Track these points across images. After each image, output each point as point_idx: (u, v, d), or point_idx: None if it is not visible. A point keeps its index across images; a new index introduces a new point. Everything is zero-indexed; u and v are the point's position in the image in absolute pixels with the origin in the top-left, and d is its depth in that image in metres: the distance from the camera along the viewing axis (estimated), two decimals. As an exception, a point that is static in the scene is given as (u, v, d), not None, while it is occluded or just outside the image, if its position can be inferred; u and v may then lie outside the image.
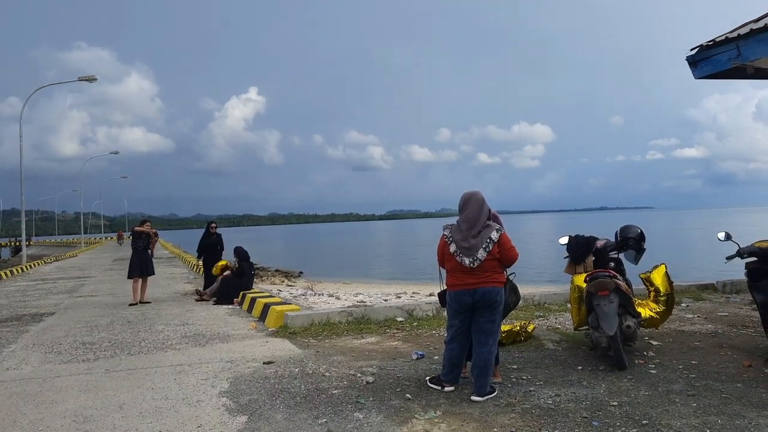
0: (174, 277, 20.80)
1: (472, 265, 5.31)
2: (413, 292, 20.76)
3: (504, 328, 7.23)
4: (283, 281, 30.24)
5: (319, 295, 20.47)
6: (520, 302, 9.82)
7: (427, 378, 5.82)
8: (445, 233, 5.48)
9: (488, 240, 5.33)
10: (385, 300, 18.21)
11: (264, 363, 6.93)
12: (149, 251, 13.40)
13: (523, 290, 11.59)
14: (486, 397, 5.26)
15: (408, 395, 5.45)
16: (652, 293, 6.82)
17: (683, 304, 9.63)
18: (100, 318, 11.06)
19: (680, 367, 6.00)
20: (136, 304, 12.82)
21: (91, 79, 30.92)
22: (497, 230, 5.38)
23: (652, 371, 5.87)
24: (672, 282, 6.86)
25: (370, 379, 6.02)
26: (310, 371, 6.46)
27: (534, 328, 7.57)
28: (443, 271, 5.66)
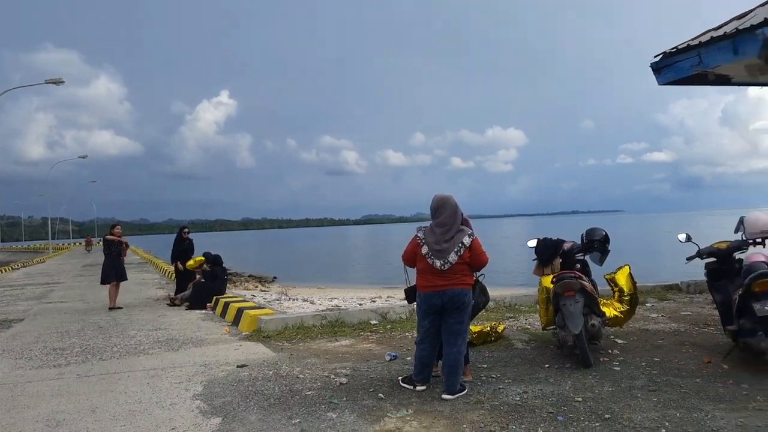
0: (146, 282, 20.64)
1: (443, 267, 5.44)
2: (387, 296, 20.88)
3: (475, 329, 7.39)
4: (256, 286, 30.11)
5: (293, 299, 20.45)
6: (491, 304, 10.01)
7: (400, 378, 5.94)
8: (419, 234, 5.61)
9: (460, 244, 5.48)
10: (360, 304, 18.28)
11: (238, 366, 6.99)
12: (122, 257, 13.33)
13: (495, 292, 11.79)
14: (456, 395, 5.40)
15: (381, 395, 5.56)
16: (617, 293, 7.03)
17: (648, 304, 9.90)
18: (70, 324, 10.98)
19: (643, 364, 6.21)
20: (115, 308, 12.73)
21: (58, 82, 30.56)
22: (469, 235, 5.53)
23: (615, 368, 6.06)
24: (635, 282, 7.08)
25: (344, 380, 6.12)
26: (284, 373, 6.54)
27: (504, 328, 7.74)
28: (409, 270, 5.81)
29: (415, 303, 5.85)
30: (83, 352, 8.27)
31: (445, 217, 5.55)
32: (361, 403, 5.37)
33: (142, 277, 22.75)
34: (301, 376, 6.41)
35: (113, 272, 13.01)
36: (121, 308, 12.91)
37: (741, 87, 11.51)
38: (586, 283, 6.28)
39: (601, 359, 6.43)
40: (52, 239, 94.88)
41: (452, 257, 5.44)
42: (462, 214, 5.77)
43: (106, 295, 15.69)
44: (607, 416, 4.68)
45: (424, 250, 5.52)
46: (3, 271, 31.08)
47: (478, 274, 6.06)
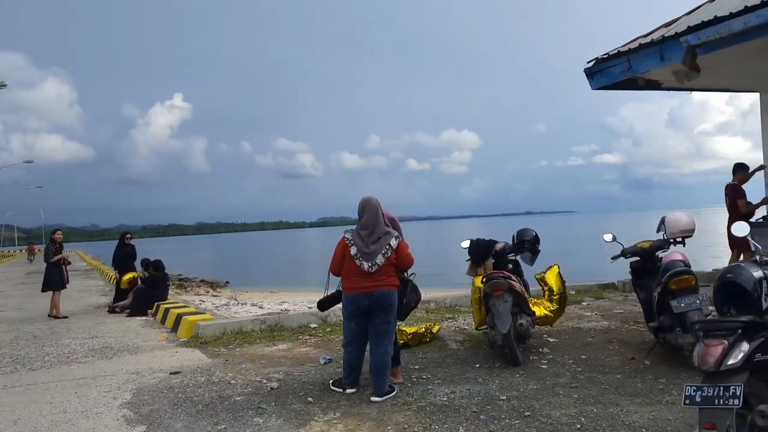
0: (89, 289, 20.17)
1: (370, 269, 5.51)
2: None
3: (410, 330, 7.47)
4: (207, 292, 29.71)
5: (242, 304, 20.27)
6: (432, 305, 10.12)
7: (330, 381, 5.96)
8: (347, 236, 5.66)
9: (387, 246, 5.58)
10: (310, 307, 18.21)
11: (171, 373, 6.90)
12: (64, 265, 13.00)
13: (437, 293, 11.91)
14: (385, 397, 5.44)
15: (310, 399, 5.57)
16: (547, 293, 7.19)
17: (584, 303, 10.15)
18: (3, 334, 10.64)
19: (570, 361, 6.37)
20: (63, 317, 12.45)
21: (0, 85, 29.65)
22: (396, 237, 5.65)
23: (543, 366, 6.20)
24: (564, 281, 7.26)
25: (275, 384, 6.10)
26: (216, 380, 6.49)
27: (439, 329, 7.84)
28: (332, 278, 5.84)
29: (326, 312, 5.94)
30: (13, 362, 8.04)
31: (367, 219, 5.63)
32: (289, 407, 5.37)
33: (86, 284, 22.23)
34: (233, 381, 6.37)
35: (59, 280, 12.67)
36: (67, 317, 12.55)
37: (684, 93, 11.88)
38: (514, 283, 6.41)
39: (531, 358, 6.57)
40: (2, 246, 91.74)
41: (380, 259, 5.52)
42: (389, 216, 5.94)
43: (46, 303, 15.31)
44: (527, 414, 4.79)
45: (353, 251, 5.58)
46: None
47: (409, 273, 6.18)
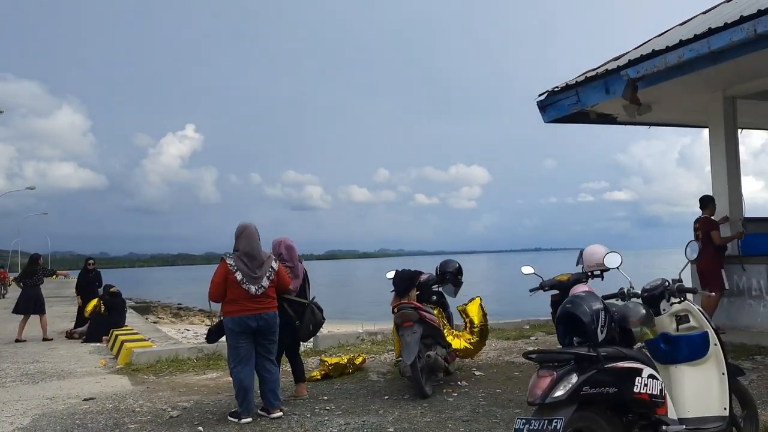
0: (67, 315, 20.07)
1: (257, 292, 5.63)
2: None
3: (331, 360, 7.37)
4: (202, 321, 29.53)
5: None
6: (378, 336, 9.99)
7: (229, 412, 5.85)
8: (229, 262, 5.66)
9: (270, 269, 5.78)
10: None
11: (84, 399, 6.82)
12: (39, 288, 13.05)
13: (386, 326, 11.72)
14: (279, 413, 5.66)
15: (201, 428, 5.48)
16: (468, 325, 7.07)
17: (532, 337, 9.97)
18: (-51, 358, 10.60)
19: (480, 395, 6.21)
20: (19, 341, 12.42)
21: (-3, 112, 30.10)
22: (275, 260, 5.88)
23: (449, 399, 6.06)
24: (486, 314, 7.15)
25: (176, 413, 6.00)
26: (123, 407, 6.39)
27: (363, 360, 7.71)
28: (215, 305, 5.84)
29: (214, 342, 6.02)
30: (-61, 386, 7.98)
31: (248, 244, 5.77)
32: (176, 436, 5.27)
33: (65, 310, 22.15)
34: (138, 409, 6.27)
35: (26, 304, 12.71)
36: (51, 339, 12.66)
37: (697, 129, 11.82)
38: (425, 314, 6.30)
39: (444, 390, 6.43)
40: (9, 272, 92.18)
41: (265, 282, 5.69)
42: (287, 243, 6.38)
43: (14, 328, 15.25)
44: (402, 447, 4.66)
45: (239, 276, 5.62)
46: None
47: (311, 297, 6.41)
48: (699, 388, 3.79)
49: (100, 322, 12.39)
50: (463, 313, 7.17)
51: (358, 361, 7.55)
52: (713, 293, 7.95)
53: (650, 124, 11.31)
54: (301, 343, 6.72)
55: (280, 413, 5.70)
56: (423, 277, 7.17)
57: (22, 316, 12.82)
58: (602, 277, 6.54)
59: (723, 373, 3.83)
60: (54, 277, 13.25)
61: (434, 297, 7.17)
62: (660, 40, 8.93)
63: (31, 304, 12.76)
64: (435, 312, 6.73)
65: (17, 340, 12.46)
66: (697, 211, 9.04)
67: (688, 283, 4.02)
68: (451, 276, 7.12)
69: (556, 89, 9.70)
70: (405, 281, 7.11)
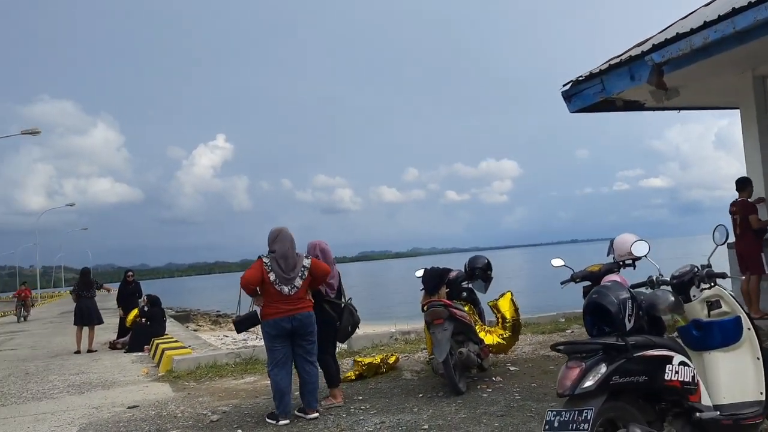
0: (109, 327, 20.49)
1: (290, 292, 5.72)
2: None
3: (365, 360, 7.42)
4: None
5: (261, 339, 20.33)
6: (411, 335, 10.02)
7: (267, 414, 5.95)
8: (265, 261, 5.75)
9: (303, 268, 5.84)
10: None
11: (128, 407, 7.00)
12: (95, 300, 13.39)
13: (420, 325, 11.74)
14: (315, 414, 5.74)
15: (240, 431, 5.59)
16: (500, 320, 7.06)
17: (568, 331, 9.88)
18: (1, 371, 10.96)
19: (515, 390, 6.20)
20: (79, 352, 12.77)
21: (34, 132, 30.94)
22: (307, 257, 5.94)
23: (483, 395, 6.06)
24: (518, 308, 7.12)
25: (215, 417, 6.12)
26: (165, 413, 6.54)
27: (397, 359, 7.75)
28: (247, 298, 5.94)
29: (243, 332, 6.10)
30: (-9, 399, 8.27)
31: (282, 247, 5.85)
32: (217, 439, 5.39)
33: (107, 322, 22.65)
34: (179, 414, 6.42)
35: (79, 315, 13.09)
36: (95, 351, 12.98)
37: (735, 110, 11.62)
38: (456, 311, 6.31)
39: (478, 386, 6.43)
40: (53, 287, 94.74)
41: (298, 282, 5.78)
42: (321, 246, 6.36)
43: (60, 341, 15.71)
44: (437, 443, 4.70)
45: (272, 277, 5.71)
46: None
47: (346, 297, 6.47)
48: (734, 374, 3.74)
49: (142, 331, 12.67)
50: (495, 308, 7.15)
51: (392, 360, 7.59)
52: (743, 277, 7.80)
53: (680, 108, 11.11)
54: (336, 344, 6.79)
55: (317, 414, 5.79)
56: (452, 274, 7.16)
57: (75, 329, 13.17)
58: (634, 266, 6.46)
59: (758, 358, 3.78)
60: (99, 291, 13.64)
61: (464, 293, 7.16)
62: (684, 22, 8.78)
63: (93, 315, 13.14)
64: (466, 308, 6.73)
65: (76, 352, 12.81)
66: (737, 195, 8.84)
67: (719, 268, 3.95)
68: (480, 272, 7.11)
69: (581, 78, 9.59)
70: (434, 279, 7.12)
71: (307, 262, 5.89)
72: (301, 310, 5.77)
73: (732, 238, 8.32)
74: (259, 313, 5.89)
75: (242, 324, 6.23)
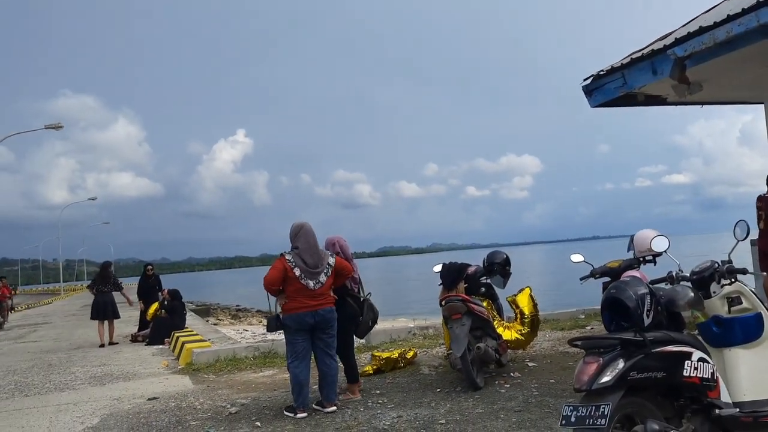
0: (131, 320, 20.78)
1: (315, 287, 5.76)
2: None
3: (383, 355, 7.44)
4: (260, 321, 30.11)
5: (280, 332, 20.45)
6: (430, 330, 10.04)
7: (285, 407, 5.99)
8: (288, 257, 5.78)
9: (328, 265, 5.89)
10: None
11: (148, 399, 7.08)
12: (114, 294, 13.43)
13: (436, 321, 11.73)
14: (333, 408, 5.78)
15: (258, 423, 5.63)
16: (518, 315, 7.03)
17: (588, 327, 9.83)
18: (23, 362, 11.16)
19: (533, 386, 6.18)
20: (104, 345, 12.87)
21: (57, 127, 31.32)
22: (331, 255, 5.99)
23: (501, 391, 6.05)
24: (536, 304, 7.09)
25: (234, 410, 6.18)
26: (185, 405, 6.62)
27: (415, 354, 7.76)
28: (272, 297, 5.96)
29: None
30: (16, 389, 8.42)
31: (306, 242, 5.89)
32: (235, 431, 5.44)
33: (128, 315, 22.93)
34: (199, 406, 6.49)
35: (96, 310, 13.12)
36: (116, 343, 13.04)
37: (758, 105, 11.47)
38: (474, 306, 6.30)
39: (496, 382, 6.42)
40: (76, 281, 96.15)
41: (323, 278, 5.82)
42: (340, 242, 6.42)
43: (82, 334, 15.93)
44: (453, 437, 4.70)
45: (297, 272, 5.74)
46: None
47: (365, 293, 6.51)
48: (755, 371, 3.69)
49: (162, 325, 12.81)
50: (513, 304, 7.13)
51: (410, 355, 7.61)
52: (765, 273, 7.68)
53: (702, 103, 10.95)
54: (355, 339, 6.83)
55: (335, 407, 5.82)
56: (470, 270, 7.14)
57: (96, 322, 13.25)
58: (654, 263, 6.40)
59: None
60: (117, 291, 13.58)
61: (483, 289, 7.14)
62: (707, 15, 8.65)
63: (109, 310, 13.14)
64: (484, 304, 6.71)
65: (101, 345, 12.91)
66: (763, 190, 8.68)
67: (740, 264, 3.91)
68: (498, 267, 7.08)
69: (602, 72, 9.49)
70: (452, 274, 7.11)
71: (332, 260, 5.96)
72: (323, 306, 5.83)
73: (754, 235, 8.20)
74: (280, 307, 5.92)
75: (275, 323, 6.12)
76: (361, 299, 6.44)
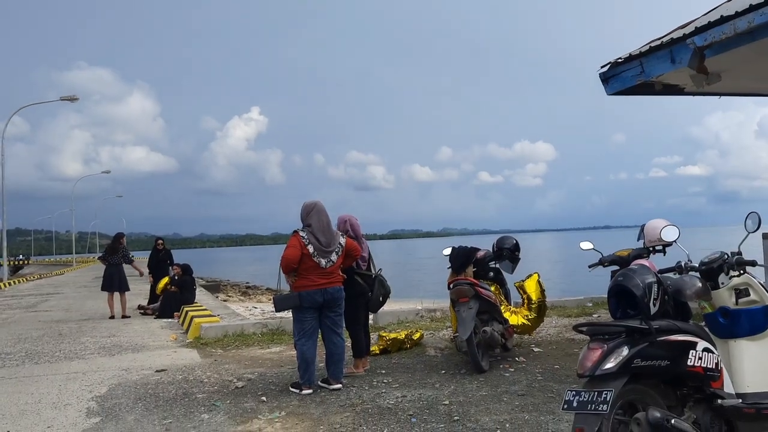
0: (141, 293, 21.00)
1: (326, 266, 5.83)
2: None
3: (390, 336, 7.49)
4: (269, 299, 30.34)
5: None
6: (437, 313, 10.07)
7: (291, 383, 6.05)
8: (302, 234, 5.82)
9: (339, 245, 5.96)
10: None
11: (156, 371, 7.17)
12: (122, 266, 13.49)
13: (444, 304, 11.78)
14: (339, 385, 5.86)
15: (264, 398, 5.69)
16: (525, 301, 7.05)
17: (595, 315, 9.84)
18: (34, 331, 11.31)
19: (538, 371, 6.21)
20: (113, 317, 12.98)
21: (72, 99, 31.47)
22: (342, 235, 6.07)
23: (506, 374, 6.09)
24: (544, 290, 7.10)
25: (241, 384, 6.25)
26: (192, 378, 6.70)
27: (421, 336, 7.80)
28: (283, 282, 6.02)
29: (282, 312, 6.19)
30: (26, 356, 8.54)
31: (319, 221, 5.94)
32: (241, 405, 5.50)
33: (139, 288, 23.18)
34: (205, 380, 6.57)
35: (109, 282, 13.17)
36: (129, 317, 13.06)
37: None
38: (482, 290, 6.32)
39: (501, 366, 6.46)
40: (88, 253, 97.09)
41: (334, 257, 5.89)
42: (351, 221, 6.59)
43: (93, 305, 16.12)
44: (456, 418, 4.75)
45: (310, 249, 5.80)
46: (16, 282, 31.94)
47: (376, 269, 6.67)
48: (759, 363, 3.68)
49: (172, 299, 12.93)
50: (521, 289, 7.14)
51: (416, 336, 7.65)
52: None
53: (720, 94, 10.83)
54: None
55: (340, 385, 5.88)
56: (480, 254, 7.15)
57: (107, 294, 13.35)
58: (664, 252, 6.40)
59: None
60: (132, 264, 13.62)
61: (491, 273, 7.16)
62: (729, 5, 8.51)
63: (116, 282, 13.15)
64: (492, 288, 6.74)
65: (111, 317, 13.01)
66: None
67: (751, 256, 3.89)
68: (508, 252, 7.09)
69: (620, 60, 9.40)
70: (461, 258, 7.12)
71: (342, 240, 6.04)
72: (332, 284, 5.90)
73: (766, 228, 8.17)
74: (290, 285, 5.96)
75: (283, 303, 6.09)
76: (372, 276, 6.56)
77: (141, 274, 13.92)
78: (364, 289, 6.45)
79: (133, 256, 14.06)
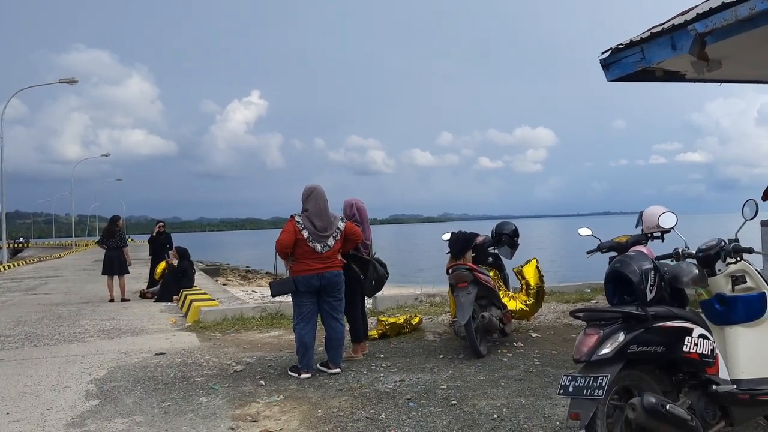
0: (141, 277, 21.05)
1: (322, 250, 5.81)
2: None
3: (389, 320, 7.51)
4: (269, 283, 30.37)
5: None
6: (436, 298, 10.09)
7: (289, 367, 6.08)
8: (298, 219, 5.82)
9: (337, 229, 5.93)
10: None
11: (155, 354, 7.20)
12: (123, 250, 13.45)
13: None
14: (337, 370, 5.87)
15: (262, 382, 5.72)
16: (524, 286, 7.07)
17: (593, 301, 9.86)
18: (34, 314, 11.35)
19: (535, 355, 6.25)
20: (112, 300, 13.02)
21: (71, 82, 31.34)
22: (342, 220, 6.02)
23: (503, 359, 6.12)
24: (542, 275, 7.12)
25: (239, 368, 6.28)
26: (191, 361, 6.73)
27: (420, 320, 7.83)
28: (280, 266, 6.03)
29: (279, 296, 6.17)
30: (25, 339, 8.57)
31: (316, 205, 5.92)
32: (239, 389, 5.53)
33: (138, 272, 23.22)
34: (204, 363, 6.60)
35: (109, 265, 13.18)
36: (128, 300, 13.11)
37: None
38: (480, 275, 6.34)
39: (499, 351, 6.49)
40: (87, 236, 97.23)
41: (331, 241, 5.87)
42: (358, 204, 6.58)
43: (92, 288, 16.16)
44: (453, 402, 4.78)
45: (305, 234, 5.79)
46: (16, 265, 32.00)
47: (373, 252, 6.64)
48: (755, 350, 3.71)
49: (171, 282, 12.96)
50: (519, 274, 7.16)
51: (415, 321, 7.68)
52: None
53: (721, 81, 10.79)
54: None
55: (338, 370, 5.91)
56: (479, 239, 7.17)
57: (106, 278, 13.36)
58: (662, 239, 6.40)
59: None
60: (123, 250, 13.42)
61: (490, 259, 7.19)
62: (732, -10, 8.49)
63: (116, 266, 13.13)
64: (491, 274, 6.76)
65: (110, 300, 13.04)
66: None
67: (748, 244, 3.90)
68: (507, 238, 7.11)
69: (620, 46, 9.36)
70: (460, 243, 7.14)
71: (341, 224, 5.99)
72: (330, 269, 5.87)
73: (764, 215, 8.18)
74: (288, 270, 5.97)
75: (279, 287, 6.10)
76: (368, 260, 6.53)
77: (130, 264, 13.67)
78: (359, 275, 6.45)
79: (131, 239, 14.03)
